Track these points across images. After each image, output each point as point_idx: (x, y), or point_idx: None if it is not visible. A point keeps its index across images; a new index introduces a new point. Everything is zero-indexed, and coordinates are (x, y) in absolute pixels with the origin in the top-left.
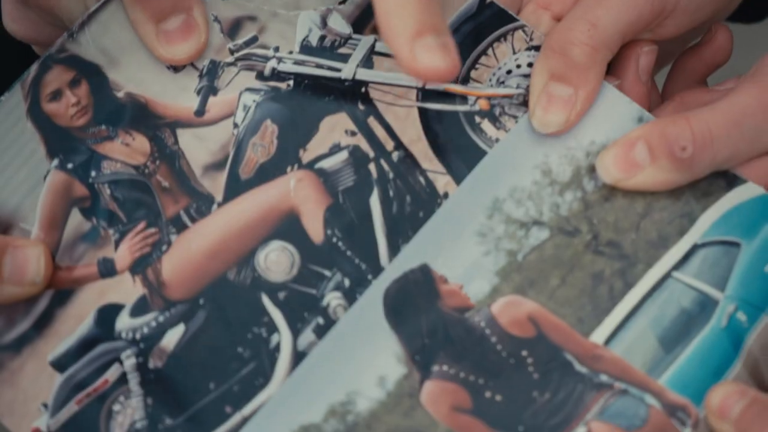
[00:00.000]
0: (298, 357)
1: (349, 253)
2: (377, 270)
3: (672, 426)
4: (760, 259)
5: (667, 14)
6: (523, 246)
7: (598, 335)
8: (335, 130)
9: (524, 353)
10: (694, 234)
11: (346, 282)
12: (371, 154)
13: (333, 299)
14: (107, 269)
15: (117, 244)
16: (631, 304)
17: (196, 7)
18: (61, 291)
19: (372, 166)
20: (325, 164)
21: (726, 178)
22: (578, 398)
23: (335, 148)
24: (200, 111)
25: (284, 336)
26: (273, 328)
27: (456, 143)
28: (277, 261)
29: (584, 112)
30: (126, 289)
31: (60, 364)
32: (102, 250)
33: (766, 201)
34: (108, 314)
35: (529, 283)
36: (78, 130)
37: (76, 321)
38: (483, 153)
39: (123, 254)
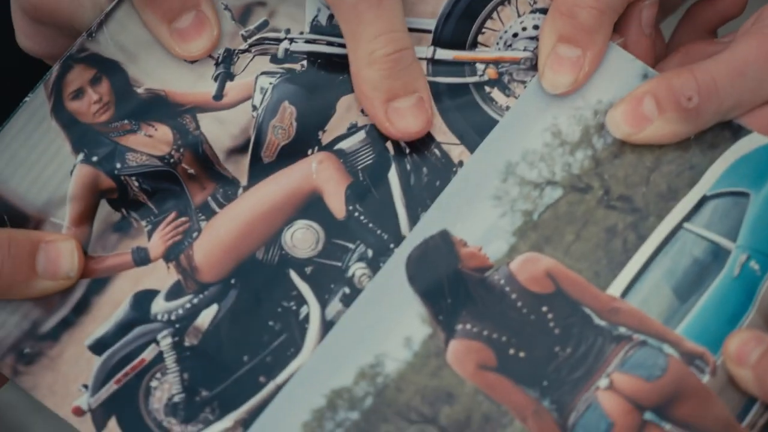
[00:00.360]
0: (327, 326)
1: (371, 225)
2: (398, 239)
3: (691, 374)
4: None
5: None
6: (538, 205)
7: (615, 288)
8: (351, 110)
9: (544, 309)
10: (703, 185)
11: (370, 252)
12: None
13: (358, 269)
14: (141, 258)
15: (150, 234)
16: (645, 256)
17: (204, 1)
18: (96, 279)
19: (389, 143)
20: (344, 145)
21: (731, 129)
22: (599, 351)
23: (353, 128)
24: (218, 95)
25: (313, 307)
26: (302, 301)
27: (468, 115)
28: (302, 239)
29: (592, 72)
30: (160, 276)
31: (98, 348)
32: (136, 240)
33: None
34: (143, 299)
35: (545, 240)
36: (101, 125)
37: (112, 307)
38: (494, 122)
39: (156, 243)
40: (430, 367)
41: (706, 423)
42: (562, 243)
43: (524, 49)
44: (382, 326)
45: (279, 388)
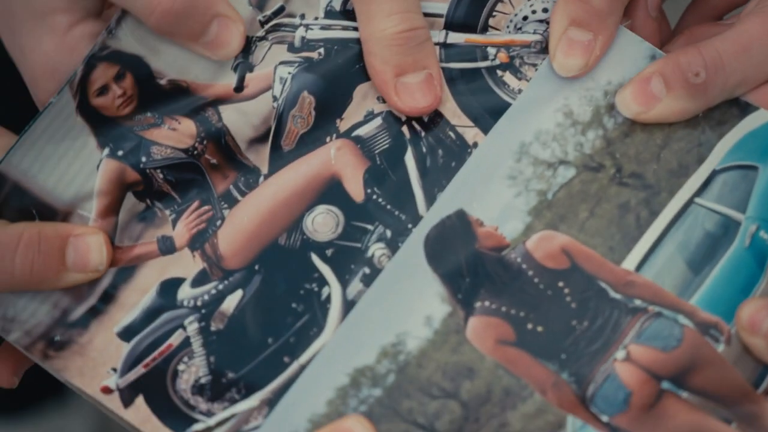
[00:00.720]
0: (348, 305)
1: (389, 207)
2: (416, 219)
3: (706, 343)
4: None
5: None
6: (552, 185)
7: (629, 262)
8: (368, 97)
9: (560, 284)
10: (713, 161)
11: (388, 233)
12: (403, 117)
13: (377, 249)
14: (167, 247)
15: (174, 223)
16: (657, 230)
17: (222, 5)
18: (123, 268)
19: (405, 128)
20: (362, 131)
21: (738, 106)
22: (615, 324)
23: (369, 116)
24: (239, 87)
25: (334, 288)
26: (323, 282)
27: (481, 98)
28: (323, 223)
29: (602, 56)
30: (186, 264)
31: (126, 334)
32: (160, 229)
33: None
34: (170, 286)
35: (559, 218)
36: (124, 118)
37: (139, 295)
38: (507, 105)
39: (181, 232)
40: (451, 343)
41: (722, 390)
42: (577, 220)
43: (534, 32)
44: (402, 306)
45: (303, 367)
